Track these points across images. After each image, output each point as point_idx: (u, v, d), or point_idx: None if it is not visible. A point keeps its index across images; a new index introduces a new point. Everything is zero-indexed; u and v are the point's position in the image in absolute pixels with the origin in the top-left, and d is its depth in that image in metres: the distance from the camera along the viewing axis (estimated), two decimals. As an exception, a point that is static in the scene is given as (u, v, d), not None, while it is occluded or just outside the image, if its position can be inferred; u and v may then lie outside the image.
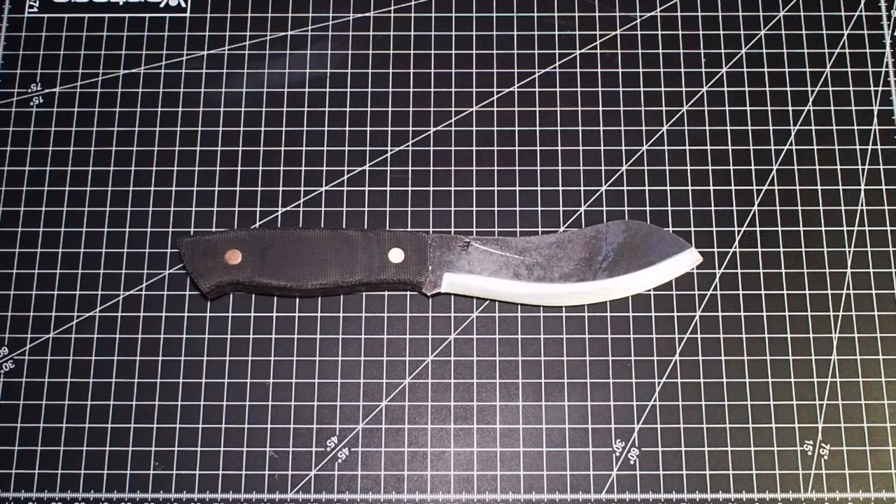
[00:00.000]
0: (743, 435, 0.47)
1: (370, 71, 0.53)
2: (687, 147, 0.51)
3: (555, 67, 0.53)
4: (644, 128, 0.52)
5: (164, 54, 0.53)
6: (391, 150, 0.51)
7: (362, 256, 0.46)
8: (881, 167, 0.51)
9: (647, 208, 0.50)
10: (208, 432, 0.47)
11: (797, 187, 0.50)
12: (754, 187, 0.50)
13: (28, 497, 0.46)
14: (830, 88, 0.52)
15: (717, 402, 0.47)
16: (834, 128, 0.51)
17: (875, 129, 0.51)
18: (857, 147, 0.51)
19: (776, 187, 0.50)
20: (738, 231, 0.50)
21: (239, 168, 0.51)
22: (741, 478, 0.46)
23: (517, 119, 0.52)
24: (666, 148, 0.51)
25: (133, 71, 0.52)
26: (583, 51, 0.53)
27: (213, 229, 0.50)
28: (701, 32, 0.53)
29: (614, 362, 0.48)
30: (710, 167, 0.51)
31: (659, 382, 0.48)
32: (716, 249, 0.50)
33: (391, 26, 0.53)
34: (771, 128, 0.51)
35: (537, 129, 0.52)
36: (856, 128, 0.51)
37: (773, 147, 0.51)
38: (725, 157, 0.51)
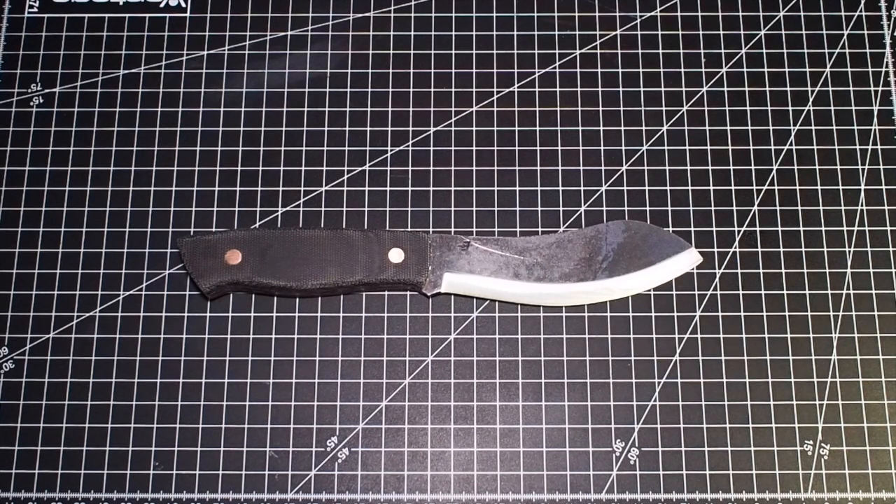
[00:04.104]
0: (743, 435, 0.47)
1: (370, 71, 0.53)
2: (687, 147, 0.51)
3: (555, 67, 0.53)
4: (644, 128, 0.52)
5: (164, 54, 0.53)
6: (391, 150, 0.51)
7: (362, 256, 0.46)
8: (881, 167, 0.51)
9: (647, 208, 0.50)
10: (208, 432, 0.47)
11: (797, 187, 0.51)
12: (754, 187, 0.50)
13: (28, 497, 0.46)
14: (830, 88, 0.52)
15: (717, 402, 0.47)
16: (834, 128, 0.51)
17: (875, 129, 0.51)
18: (857, 147, 0.51)
19: (776, 187, 0.51)
20: (738, 231, 0.50)
21: (239, 168, 0.51)
22: (741, 478, 0.46)
23: (517, 119, 0.52)
24: (666, 148, 0.51)
25: (133, 71, 0.52)
26: (583, 51, 0.53)
27: (213, 229, 0.50)
28: (701, 32, 0.53)
29: (614, 362, 0.48)
30: (710, 167, 0.51)
31: (659, 382, 0.48)
32: (716, 249, 0.50)
33: (391, 26, 0.53)
34: (771, 128, 0.51)
35: (537, 129, 0.52)
36: (856, 128, 0.51)
37: (773, 147, 0.51)
38: (725, 157, 0.51)
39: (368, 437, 0.47)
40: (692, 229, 0.50)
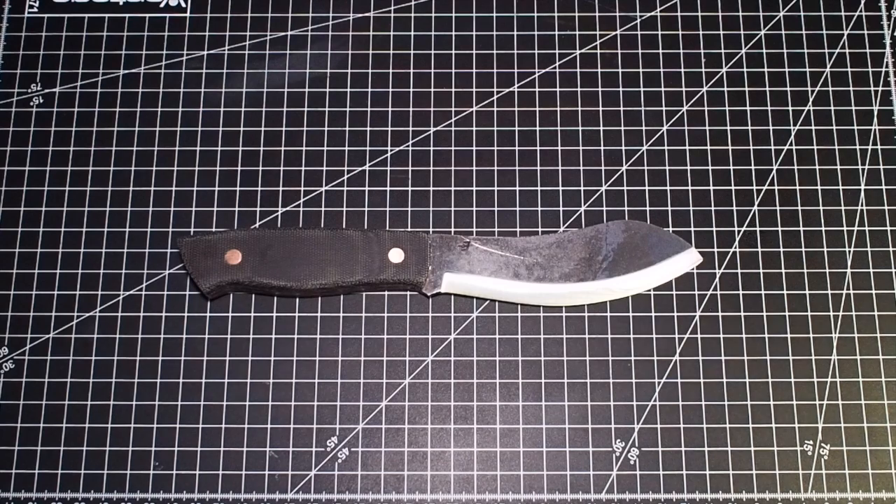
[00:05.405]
0: (743, 435, 0.47)
1: (370, 71, 0.53)
2: (687, 147, 0.51)
3: (555, 67, 0.53)
4: (644, 128, 0.52)
5: (164, 54, 0.53)
6: (391, 150, 0.51)
7: (362, 256, 0.46)
8: (881, 167, 0.51)
9: (647, 208, 0.50)
10: (208, 432, 0.47)
11: (797, 187, 0.51)
12: (754, 187, 0.50)
13: (28, 497, 0.46)
14: (830, 88, 0.52)
15: (717, 402, 0.47)
16: (834, 128, 0.51)
17: (875, 129, 0.51)
18: (857, 147, 0.51)
19: (776, 187, 0.51)
20: (738, 231, 0.50)
21: (239, 168, 0.51)
22: (741, 478, 0.46)
23: (517, 119, 0.52)
24: (666, 148, 0.51)
25: (133, 71, 0.52)
26: (583, 51, 0.53)
27: (213, 229, 0.50)
28: (701, 32, 0.53)
29: (614, 362, 0.48)
30: (710, 167, 0.51)
31: (659, 382, 0.48)
32: (716, 249, 0.50)
33: (391, 26, 0.53)
34: (771, 128, 0.51)
35: (537, 129, 0.52)
36: (856, 128, 0.51)
37: (773, 147, 0.51)
38: (725, 157, 0.51)
39: (368, 437, 0.47)
40: (692, 229, 0.50)
